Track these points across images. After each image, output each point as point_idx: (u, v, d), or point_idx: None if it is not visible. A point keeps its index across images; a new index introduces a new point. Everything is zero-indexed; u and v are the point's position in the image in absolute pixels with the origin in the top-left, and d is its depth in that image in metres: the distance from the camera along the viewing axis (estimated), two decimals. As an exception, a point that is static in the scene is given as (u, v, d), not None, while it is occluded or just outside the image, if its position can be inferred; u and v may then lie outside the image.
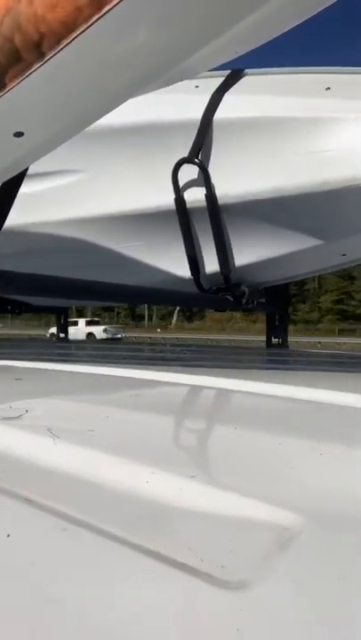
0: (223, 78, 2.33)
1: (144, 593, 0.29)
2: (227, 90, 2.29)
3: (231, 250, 2.45)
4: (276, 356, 2.66)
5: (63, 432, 0.53)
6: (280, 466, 0.48)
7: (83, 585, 0.29)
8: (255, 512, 0.37)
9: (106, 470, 0.45)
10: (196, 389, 0.84)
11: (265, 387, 0.83)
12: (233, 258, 2.47)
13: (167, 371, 0.95)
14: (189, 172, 2.30)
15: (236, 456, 0.51)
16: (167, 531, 0.38)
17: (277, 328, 3.25)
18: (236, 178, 2.24)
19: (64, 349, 2.69)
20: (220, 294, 2.58)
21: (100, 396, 0.80)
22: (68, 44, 0.70)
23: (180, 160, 2.27)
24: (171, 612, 0.27)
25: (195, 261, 2.47)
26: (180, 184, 2.31)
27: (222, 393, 0.83)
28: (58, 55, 0.71)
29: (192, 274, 2.50)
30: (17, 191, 1.46)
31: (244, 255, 2.46)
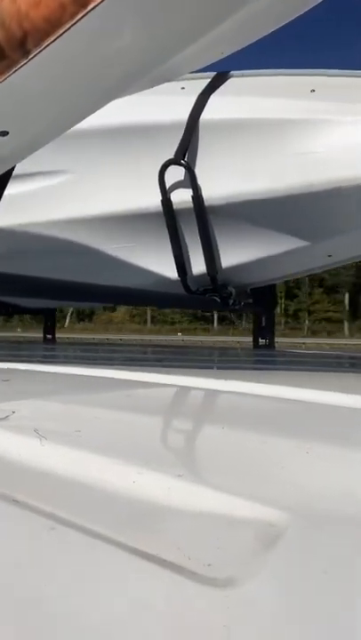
0: (209, 80, 2.34)
1: (131, 592, 0.29)
2: (213, 91, 2.30)
3: (218, 251, 2.46)
4: (264, 356, 2.67)
5: (50, 433, 0.53)
6: (267, 464, 0.49)
7: (69, 584, 0.29)
8: (242, 510, 0.38)
9: (93, 470, 0.44)
10: (183, 390, 0.84)
11: (252, 386, 0.83)
12: (220, 259, 2.47)
13: (153, 372, 0.95)
14: (176, 174, 2.30)
15: (223, 455, 0.51)
16: (155, 530, 0.38)
17: (264, 329, 3.27)
18: (223, 179, 2.25)
19: (51, 351, 2.67)
20: (208, 295, 2.59)
21: (86, 398, 0.80)
22: (52, 41, 0.70)
23: (166, 161, 2.28)
24: (158, 610, 0.27)
25: (182, 263, 2.48)
26: (167, 185, 2.31)
27: (210, 393, 0.83)
28: (42, 53, 0.71)
29: (179, 275, 2.50)
30: (2, 191, 1.45)
31: (230, 256, 2.47)
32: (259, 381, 0.90)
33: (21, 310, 3.62)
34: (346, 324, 29.98)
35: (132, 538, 0.35)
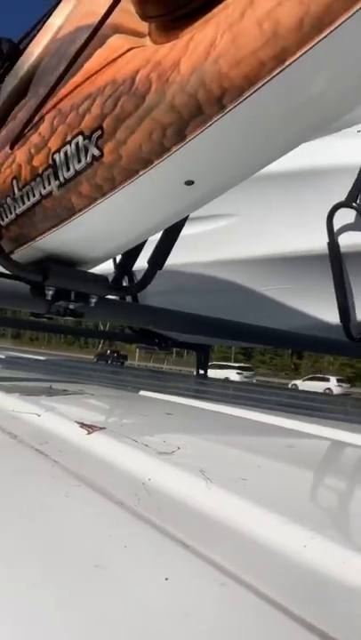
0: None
1: None
2: (391, 133, 2.19)
3: (386, 298, 2.29)
4: None
5: (215, 476, 0.53)
6: None
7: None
8: None
9: (261, 525, 0.43)
10: (353, 447, 0.78)
11: None
12: (388, 306, 2.30)
13: (314, 422, 0.90)
14: (345, 217, 2.23)
15: None
16: (324, 604, 0.35)
17: None
18: None
19: (204, 386, 2.73)
20: (372, 344, 2.41)
21: (247, 442, 0.79)
22: (247, 96, 0.73)
23: (336, 204, 2.22)
24: None
25: (345, 308, 2.36)
26: (335, 228, 2.25)
27: None
28: (236, 107, 0.75)
29: (341, 321, 2.38)
30: (177, 236, 1.55)
31: None
32: None
33: (178, 345, 3.78)
34: None
35: (301, 608, 0.33)
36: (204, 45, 0.79)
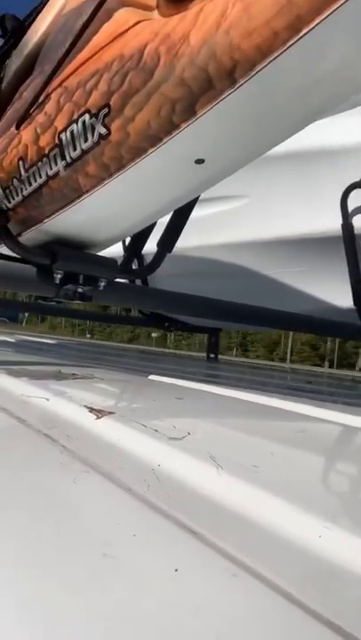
0: None
1: None
2: None
3: None
4: None
5: (226, 462, 0.51)
6: None
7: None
8: None
9: (273, 515, 0.41)
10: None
11: None
12: None
13: (329, 408, 0.88)
14: (360, 198, 2.18)
15: None
16: (339, 597, 0.33)
17: None
18: None
19: (215, 370, 2.72)
20: (386, 327, 2.38)
21: (259, 428, 0.77)
22: (260, 70, 0.70)
23: (350, 185, 2.17)
24: None
25: (359, 291, 2.32)
26: (349, 209, 2.20)
27: None
28: (248, 81, 0.72)
29: (355, 304, 2.35)
30: (187, 218, 1.52)
31: None
32: None
33: (189, 328, 3.76)
34: None
35: (314, 599, 0.32)
36: (214, 16, 0.75)
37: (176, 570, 0.33)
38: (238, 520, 0.41)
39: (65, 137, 1.01)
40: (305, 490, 0.48)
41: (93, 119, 0.94)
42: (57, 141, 1.03)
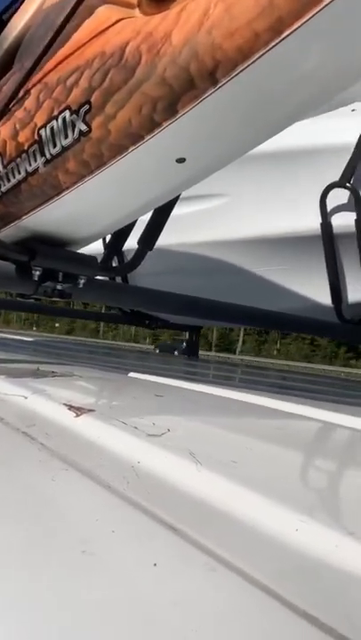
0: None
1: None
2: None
3: (379, 279, 2.29)
4: None
5: (205, 458, 0.52)
6: None
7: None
8: None
9: (251, 509, 0.42)
10: (344, 430, 0.77)
11: None
12: (381, 287, 2.30)
13: (305, 404, 0.89)
14: (339, 198, 2.21)
15: None
16: (317, 589, 0.34)
17: None
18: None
19: (195, 368, 2.73)
20: (364, 325, 2.42)
21: (237, 424, 0.78)
22: (241, 70, 0.71)
23: (330, 184, 2.20)
24: None
25: (337, 289, 2.35)
26: (328, 209, 2.23)
27: None
28: (230, 82, 0.73)
29: (333, 302, 2.38)
30: (168, 216, 1.52)
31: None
32: None
33: (169, 326, 3.77)
34: None
35: (292, 593, 0.32)
36: (196, 15, 0.75)
37: (155, 564, 0.34)
38: (217, 515, 0.41)
39: (45, 133, 1.00)
40: (282, 485, 0.49)
41: (74, 116, 0.94)
42: (36, 137, 1.02)
